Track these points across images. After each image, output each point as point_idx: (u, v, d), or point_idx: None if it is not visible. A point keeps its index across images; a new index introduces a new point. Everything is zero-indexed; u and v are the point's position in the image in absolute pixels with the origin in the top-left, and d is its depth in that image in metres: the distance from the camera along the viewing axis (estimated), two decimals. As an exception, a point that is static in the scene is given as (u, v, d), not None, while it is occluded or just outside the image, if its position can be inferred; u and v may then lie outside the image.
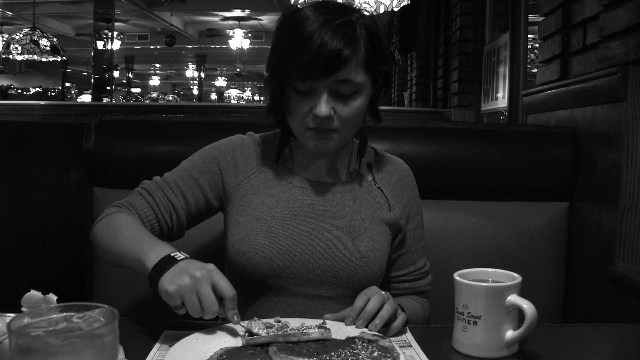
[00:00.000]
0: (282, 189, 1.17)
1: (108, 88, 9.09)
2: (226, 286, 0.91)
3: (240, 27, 14.24)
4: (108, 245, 1.08)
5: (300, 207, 1.16)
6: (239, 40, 14.18)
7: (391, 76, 1.18)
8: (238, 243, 1.13)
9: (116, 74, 14.19)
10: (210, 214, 1.22)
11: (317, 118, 1.06)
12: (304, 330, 0.90)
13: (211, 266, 0.93)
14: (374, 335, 0.93)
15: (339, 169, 1.22)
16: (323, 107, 1.04)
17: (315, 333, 0.89)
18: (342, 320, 1.01)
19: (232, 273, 1.16)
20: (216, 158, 1.20)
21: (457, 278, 0.94)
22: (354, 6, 1.14)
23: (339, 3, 1.14)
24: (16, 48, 7.62)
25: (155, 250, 0.97)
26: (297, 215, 1.15)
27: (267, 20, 13.71)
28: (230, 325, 0.98)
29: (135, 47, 16.42)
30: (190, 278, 0.89)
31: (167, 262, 0.94)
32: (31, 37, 7.64)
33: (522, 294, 0.92)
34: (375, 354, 0.84)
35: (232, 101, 19.99)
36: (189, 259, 0.95)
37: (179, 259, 0.94)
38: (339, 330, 0.94)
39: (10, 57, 7.84)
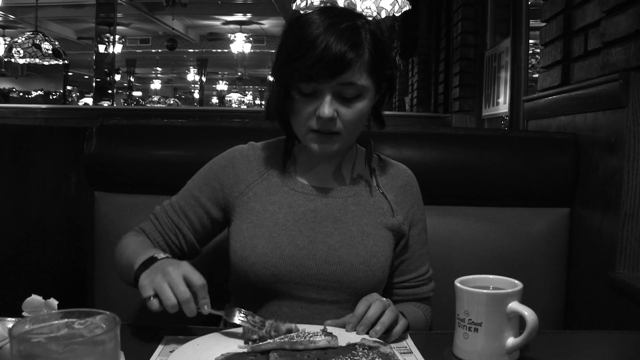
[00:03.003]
0: (284, 195, 1.18)
1: (109, 91, 9.11)
2: (195, 277, 0.95)
3: (241, 31, 14.27)
4: (118, 261, 1.16)
5: (302, 212, 1.16)
6: (240, 44, 14.20)
7: (395, 82, 1.19)
8: (240, 249, 1.14)
9: (117, 77, 14.19)
10: (219, 228, 1.25)
11: (320, 120, 1.07)
12: (311, 338, 0.89)
13: (183, 262, 0.98)
14: (374, 341, 0.93)
15: (342, 174, 1.22)
16: (327, 109, 1.05)
17: (322, 341, 0.89)
18: (342, 326, 1.01)
19: (235, 279, 1.18)
20: (216, 173, 1.22)
21: (458, 285, 0.94)
22: (358, 12, 1.15)
23: (344, 8, 1.16)
24: (18, 51, 7.65)
25: (145, 254, 1.04)
26: (299, 220, 1.15)
27: (269, 24, 13.75)
28: (231, 331, 0.98)
29: (137, 51, 16.46)
30: (162, 272, 0.95)
31: (149, 262, 1.00)
32: (33, 41, 7.67)
33: (523, 300, 0.92)
34: (376, 360, 0.84)
35: (234, 105, 20.01)
36: (167, 259, 1.01)
37: (159, 258, 1.01)
38: (340, 337, 0.94)
39: (12, 60, 7.88)
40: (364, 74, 1.07)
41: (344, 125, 1.09)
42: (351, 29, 1.06)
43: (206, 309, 0.94)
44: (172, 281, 0.93)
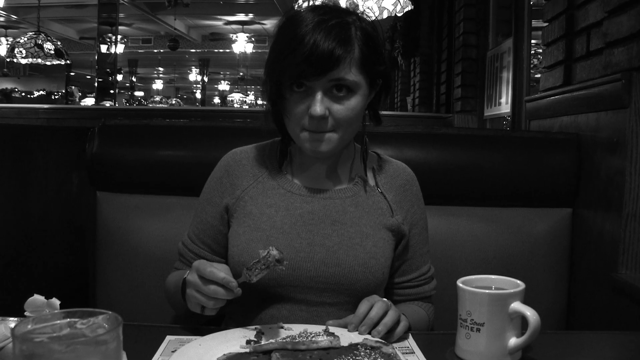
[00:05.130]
0: (281, 197, 1.17)
1: (111, 91, 9.12)
2: (204, 270, 0.97)
3: (243, 31, 14.26)
4: (172, 304, 1.20)
5: (300, 214, 1.15)
6: (242, 45, 14.19)
7: (390, 78, 1.18)
8: (238, 254, 1.13)
9: (119, 77, 14.21)
10: None
11: (312, 119, 1.06)
12: (313, 338, 0.89)
13: (193, 264, 1.00)
14: (377, 341, 0.92)
15: (340, 174, 1.21)
16: (318, 107, 1.05)
17: (324, 341, 0.89)
18: (344, 326, 1.01)
19: None
20: (214, 188, 1.22)
21: (461, 285, 0.94)
22: (358, 11, 1.14)
23: (336, 6, 1.15)
24: (20, 51, 7.66)
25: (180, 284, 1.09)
26: (297, 223, 1.14)
27: (271, 24, 13.73)
28: (233, 331, 0.98)
29: (139, 51, 16.47)
30: (189, 287, 1.01)
31: (184, 287, 1.04)
32: (35, 41, 7.68)
33: (525, 300, 0.92)
34: (378, 360, 0.84)
35: (235, 105, 20.00)
36: (189, 274, 1.02)
37: (186, 277, 1.03)
38: (342, 337, 0.94)
39: (15, 60, 7.88)
40: (354, 69, 1.06)
41: (337, 123, 1.08)
42: (340, 25, 1.05)
43: (233, 285, 0.95)
44: (197, 288, 0.97)
